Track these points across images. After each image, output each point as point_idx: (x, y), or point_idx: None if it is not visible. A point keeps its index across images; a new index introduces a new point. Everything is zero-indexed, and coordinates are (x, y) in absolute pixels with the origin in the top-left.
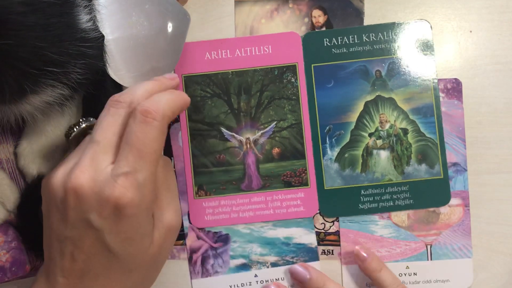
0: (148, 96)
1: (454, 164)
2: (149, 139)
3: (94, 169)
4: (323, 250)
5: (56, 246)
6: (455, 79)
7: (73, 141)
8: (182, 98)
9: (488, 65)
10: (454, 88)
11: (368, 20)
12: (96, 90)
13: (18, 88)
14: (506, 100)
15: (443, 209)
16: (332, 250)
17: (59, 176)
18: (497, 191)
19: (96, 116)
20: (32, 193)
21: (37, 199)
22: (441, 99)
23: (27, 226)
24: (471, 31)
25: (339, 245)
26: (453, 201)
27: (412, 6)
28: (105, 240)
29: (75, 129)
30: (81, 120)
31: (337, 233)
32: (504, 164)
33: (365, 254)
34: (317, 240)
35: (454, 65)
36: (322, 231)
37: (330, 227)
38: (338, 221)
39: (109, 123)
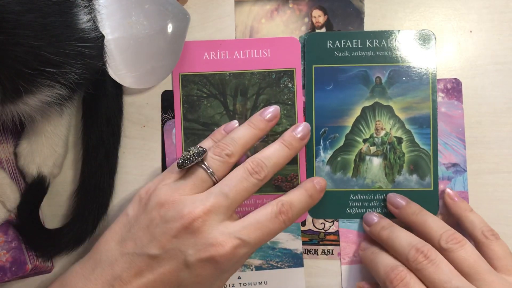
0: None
1: (454, 165)
2: (276, 231)
3: (213, 216)
4: (323, 250)
5: (128, 255)
6: (455, 79)
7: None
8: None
9: (488, 65)
10: (454, 88)
11: (368, 20)
12: (95, 90)
13: (12, 88)
14: (506, 100)
15: (442, 209)
16: (332, 250)
17: (185, 201)
18: (497, 191)
19: (95, 116)
20: (32, 193)
21: (37, 199)
22: (441, 99)
23: (27, 226)
24: (471, 31)
25: (338, 245)
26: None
27: (412, 6)
28: (181, 276)
29: (189, 162)
30: (193, 154)
31: (337, 233)
32: (504, 164)
33: (454, 196)
34: (317, 240)
35: (454, 65)
36: (322, 231)
37: (330, 227)
38: (338, 221)
39: (244, 187)
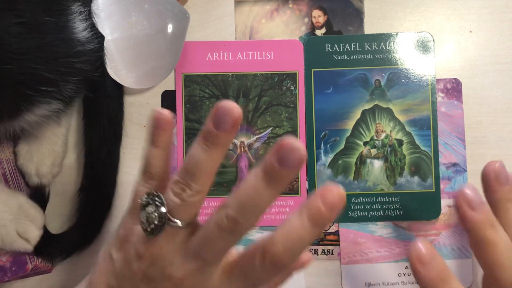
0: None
1: (454, 165)
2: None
3: (197, 277)
4: (323, 250)
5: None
6: (455, 79)
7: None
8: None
9: (488, 65)
10: (454, 88)
11: (368, 20)
12: (96, 91)
13: (14, 107)
14: (506, 100)
15: (442, 210)
16: (332, 250)
17: (164, 258)
18: None
19: (98, 117)
20: (34, 195)
21: (37, 199)
22: (441, 99)
23: None
24: (471, 31)
25: (339, 245)
26: (453, 201)
27: (412, 6)
28: None
29: (155, 222)
30: (163, 213)
31: (336, 233)
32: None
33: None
34: (317, 240)
35: (454, 65)
36: (322, 231)
37: (330, 227)
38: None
39: (222, 246)
